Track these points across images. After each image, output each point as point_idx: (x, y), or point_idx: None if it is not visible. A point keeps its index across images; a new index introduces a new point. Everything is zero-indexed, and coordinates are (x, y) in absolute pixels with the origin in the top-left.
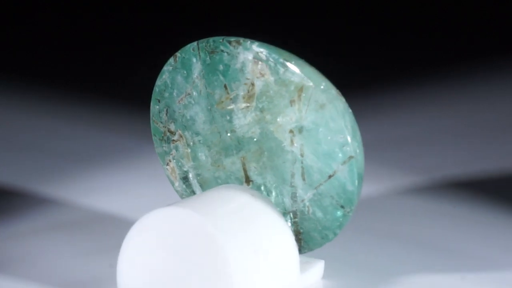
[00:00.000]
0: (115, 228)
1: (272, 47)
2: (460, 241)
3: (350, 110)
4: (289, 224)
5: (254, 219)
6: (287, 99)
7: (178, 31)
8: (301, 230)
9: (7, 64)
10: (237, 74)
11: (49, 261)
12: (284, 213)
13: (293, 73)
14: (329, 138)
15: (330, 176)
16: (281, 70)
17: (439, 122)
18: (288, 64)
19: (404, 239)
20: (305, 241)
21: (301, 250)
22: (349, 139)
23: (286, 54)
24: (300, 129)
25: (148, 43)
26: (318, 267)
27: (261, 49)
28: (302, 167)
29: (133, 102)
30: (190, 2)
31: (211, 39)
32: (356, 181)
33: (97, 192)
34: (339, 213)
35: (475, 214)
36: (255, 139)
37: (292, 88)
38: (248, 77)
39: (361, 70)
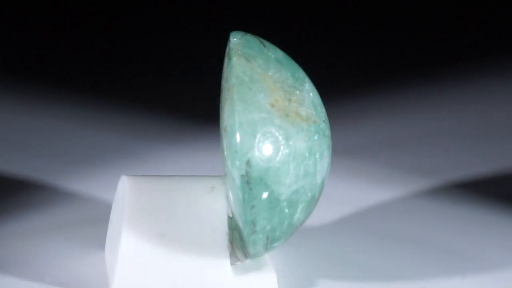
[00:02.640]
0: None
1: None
2: (460, 241)
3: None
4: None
5: (184, 210)
6: None
7: (177, 31)
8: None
9: (7, 64)
10: None
11: (48, 261)
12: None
13: None
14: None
15: None
16: None
17: (439, 122)
18: None
19: (404, 239)
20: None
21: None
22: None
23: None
24: None
25: (148, 43)
26: (265, 279)
27: None
28: None
29: (133, 102)
30: (189, 2)
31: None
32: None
33: (97, 192)
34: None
35: (475, 214)
36: None
37: None
38: None
39: (362, 70)
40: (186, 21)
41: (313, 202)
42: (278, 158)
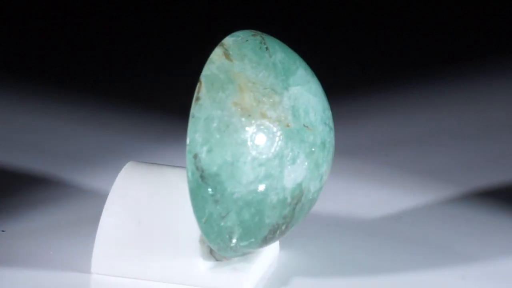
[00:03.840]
0: None
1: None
2: (460, 241)
3: None
4: None
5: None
6: None
7: (177, 31)
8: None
9: (7, 64)
10: None
11: (48, 261)
12: None
13: None
14: None
15: None
16: None
17: (439, 122)
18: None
19: (403, 239)
20: None
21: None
22: None
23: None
24: None
25: (148, 43)
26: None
27: None
28: None
29: (133, 102)
30: (189, 2)
31: None
32: None
33: (97, 192)
34: None
35: (475, 213)
36: None
37: None
38: None
39: (362, 70)
40: (186, 21)
41: (284, 205)
42: (230, 156)
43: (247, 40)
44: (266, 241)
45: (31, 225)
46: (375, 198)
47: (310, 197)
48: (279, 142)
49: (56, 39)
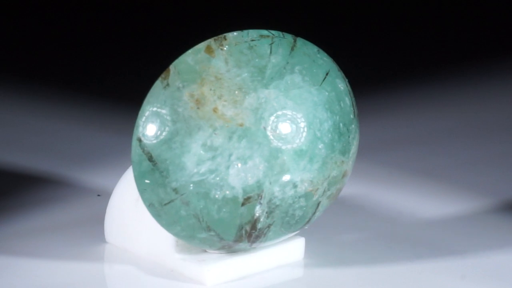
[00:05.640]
0: None
1: None
2: (460, 241)
3: None
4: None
5: None
6: None
7: (177, 31)
8: None
9: (7, 64)
10: None
11: (48, 261)
12: None
13: None
14: None
15: None
16: None
17: (439, 122)
18: None
19: (403, 239)
20: None
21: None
22: None
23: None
24: None
25: (148, 43)
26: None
27: None
28: None
29: (134, 102)
30: (189, 2)
31: None
32: None
33: (97, 192)
34: None
35: (475, 213)
36: None
37: None
38: None
39: (362, 70)
40: (186, 21)
41: (236, 204)
42: (175, 143)
43: (252, 40)
44: (239, 239)
45: (31, 225)
46: (375, 198)
47: (284, 202)
48: (226, 138)
49: (56, 39)
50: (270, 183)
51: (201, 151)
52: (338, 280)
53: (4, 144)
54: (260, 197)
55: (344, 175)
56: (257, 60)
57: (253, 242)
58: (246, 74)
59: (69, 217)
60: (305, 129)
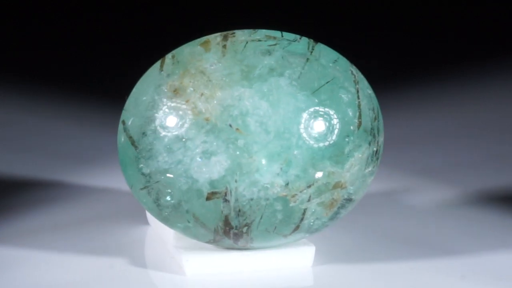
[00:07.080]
0: (115, 228)
1: None
2: (460, 241)
3: None
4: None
5: None
6: None
7: (177, 31)
8: None
9: (7, 64)
10: None
11: (49, 261)
12: None
13: None
14: None
15: None
16: None
17: (439, 122)
18: None
19: (403, 239)
20: None
21: None
22: None
23: None
24: None
25: (148, 43)
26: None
27: None
28: None
29: None
30: (189, 2)
31: None
32: None
33: (97, 192)
34: None
35: (475, 213)
36: None
37: None
38: None
39: (362, 70)
40: (186, 21)
41: (201, 197)
42: (150, 131)
43: (259, 40)
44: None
45: (31, 225)
46: (375, 198)
47: (256, 204)
48: (190, 130)
49: (56, 39)
50: (236, 181)
51: (171, 141)
52: (339, 281)
53: (4, 144)
54: (225, 194)
55: (337, 186)
56: (252, 59)
57: (237, 240)
58: (234, 71)
59: (69, 217)
60: (273, 133)
